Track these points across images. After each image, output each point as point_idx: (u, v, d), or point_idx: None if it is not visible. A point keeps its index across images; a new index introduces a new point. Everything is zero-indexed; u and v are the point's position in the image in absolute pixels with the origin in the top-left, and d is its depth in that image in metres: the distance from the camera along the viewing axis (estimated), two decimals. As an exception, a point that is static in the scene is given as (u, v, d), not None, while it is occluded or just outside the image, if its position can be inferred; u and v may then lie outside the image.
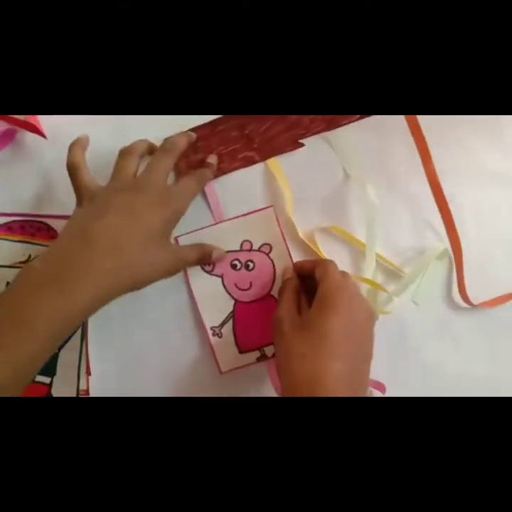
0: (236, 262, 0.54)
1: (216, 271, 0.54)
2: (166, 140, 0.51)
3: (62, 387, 0.52)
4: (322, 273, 0.48)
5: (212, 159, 0.52)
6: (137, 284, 0.45)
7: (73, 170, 0.47)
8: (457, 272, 0.54)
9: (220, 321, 0.54)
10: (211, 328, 0.54)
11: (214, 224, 0.54)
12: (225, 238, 0.54)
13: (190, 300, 0.54)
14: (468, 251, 0.54)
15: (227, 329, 0.54)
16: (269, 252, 0.54)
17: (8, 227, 0.53)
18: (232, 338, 0.54)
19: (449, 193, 0.54)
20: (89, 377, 0.53)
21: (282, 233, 0.54)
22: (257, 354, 0.54)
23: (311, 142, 0.54)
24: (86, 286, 0.41)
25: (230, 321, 0.54)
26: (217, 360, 0.54)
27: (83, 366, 0.53)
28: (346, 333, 0.44)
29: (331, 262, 0.50)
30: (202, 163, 0.53)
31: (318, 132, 0.54)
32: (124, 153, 0.49)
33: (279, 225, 0.54)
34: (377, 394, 0.54)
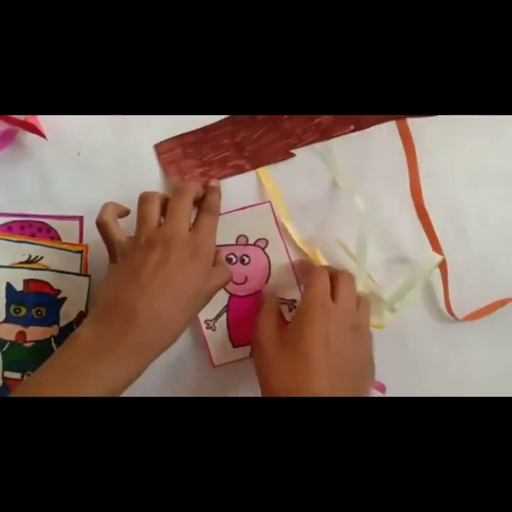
0: (231, 256, 0.54)
1: None
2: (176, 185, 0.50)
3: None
4: (306, 284, 0.48)
5: (215, 182, 0.51)
6: (176, 339, 0.46)
7: (103, 226, 0.47)
8: (443, 287, 0.54)
9: (214, 315, 0.54)
10: (205, 321, 0.54)
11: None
12: (220, 232, 0.53)
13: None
14: (469, 251, 0.55)
15: (221, 323, 0.54)
16: (265, 246, 0.54)
17: (8, 228, 0.53)
18: (226, 331, 0.54)
19: (449, 194, 0.54)
20: None
21: (279, 228, 0.53)
22: (250, 349, 0.54)
23: (301, 152, 0.54)
24: (132, 358, 0.43)
25: (225, 315, 0.54)
26: (210, 354, 0.54)
27: None
28: (326, 349, 0.44)
29: (321, 272, 0.49)
30: (192, 170, 0.52)
31: (310, 143, 0.54)
32: (145, 201, 0.48)
33: (275, 219, 0.54)
34: (376, 394, 0.54)
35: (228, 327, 0.54)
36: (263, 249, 0.54)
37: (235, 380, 0.54)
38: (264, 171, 0.54)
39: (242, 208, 0.54)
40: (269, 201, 0.54)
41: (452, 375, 0.55)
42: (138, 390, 0.52)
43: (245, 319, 0.54)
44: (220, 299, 0.54)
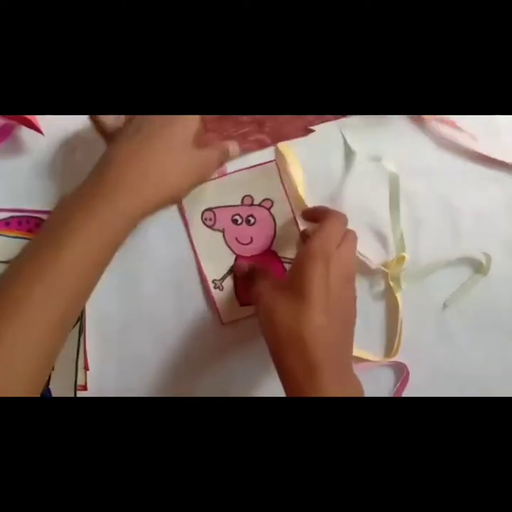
0: (237, 217, 0.54)
1: (217, 225, 0.55)
2: None
3: (59, 382, 0.52)
4: (318, 228, 0.48)
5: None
6: (165, 192, 0.45)
7: (94, 119, 0.48)
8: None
9: (221, 275, 0.55)
10: (212, 281, 0.55)
11: (215, 178, 0.54)
12: (225, 193, 0.54)
13: (191, 254, 0.55)
14: (468, 250, 0.56)
15: (228, 282, 0.55)
16: (271, 207, 0.54)
17: (6, 223, 0.53)
18: (232, 291, 0.55)
19: (447, 193, 0.56)
20: (88, 372, 0.54)
21: (284, 188, 0.54)
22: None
23: (321, 128, 0.55)
24: (122, 196, 0.43)
25: (231, 275, 0.55)
26: (218, 312, 0.55)
27: (81, 361, 0.53)
28: (326, 290, 0.44)
29: (336, 220, 0.49)
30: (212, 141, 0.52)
31: (328, 120, 0.54)
32: None
33: (281, 179, 0.54)
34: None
35: (235, 286, 0.55)
36: (269, 209, 0.54)
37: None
38: (285, 145, 0.54)
39: (248, 168, 0.54)
40: (275, 160, 0.54)
41: (448, 373, 0.57)
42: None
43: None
44: (227, 259, 0.55)
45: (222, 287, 0.55)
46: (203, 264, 0.55)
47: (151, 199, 0.44)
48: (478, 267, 0.56)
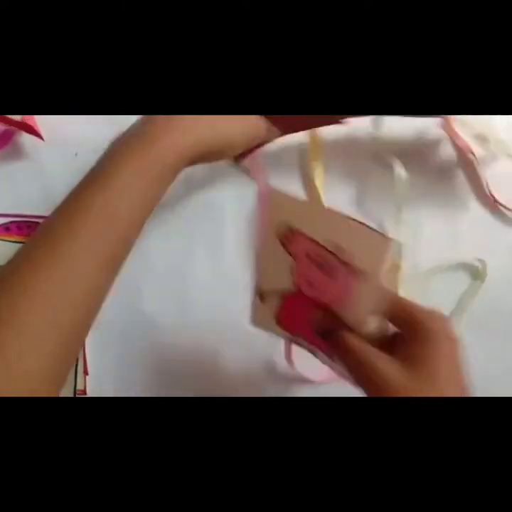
0: (314, 255, 0.43)
1: (293, 248, 0.44)
2: None
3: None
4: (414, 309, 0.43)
5: None
6: (218, 138, 0.46)
7: None
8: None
9: (270, 288, 0.46)
10: (256, 287, 0.47)
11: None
12: (316, 222, 0.42)
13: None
14: (469, 250, 0.58)
15: (274, 297, 0.47)
16: (358, 276, 0.42)
17: (6, 228, 0.53)
18: (275, 305, 0.47)
19: (445, 194, 0.57)
20: (87, 376, 0.54)
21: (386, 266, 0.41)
22: (288, 335, 0.48)
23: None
24: (170, 140, 0.43)
25: (280, 295, 0.46)
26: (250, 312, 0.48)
27: (80, 365, 0.53)
28: (453, 371, 0.42)
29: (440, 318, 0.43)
30: None
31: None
32: None
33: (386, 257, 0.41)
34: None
35: (281, 304, 0.47)
36: (355, 273, 0.42)
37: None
38: (315, 138, 0.55)
39: (357, 221, 0.41)
40: (392, 239, 0.40)
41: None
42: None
43: (303, 312, 0.46)
44: (285, 283, 0.45)
45: (264, 297, 0.47)
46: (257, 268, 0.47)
47: (204, 140, 0.45)
48: (475, 273, 0.58)
